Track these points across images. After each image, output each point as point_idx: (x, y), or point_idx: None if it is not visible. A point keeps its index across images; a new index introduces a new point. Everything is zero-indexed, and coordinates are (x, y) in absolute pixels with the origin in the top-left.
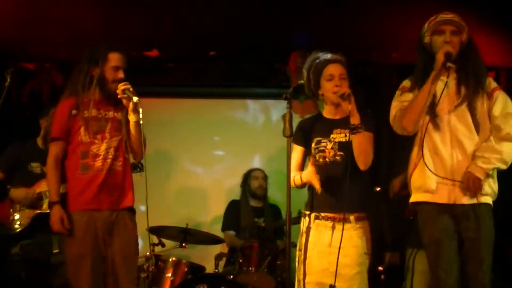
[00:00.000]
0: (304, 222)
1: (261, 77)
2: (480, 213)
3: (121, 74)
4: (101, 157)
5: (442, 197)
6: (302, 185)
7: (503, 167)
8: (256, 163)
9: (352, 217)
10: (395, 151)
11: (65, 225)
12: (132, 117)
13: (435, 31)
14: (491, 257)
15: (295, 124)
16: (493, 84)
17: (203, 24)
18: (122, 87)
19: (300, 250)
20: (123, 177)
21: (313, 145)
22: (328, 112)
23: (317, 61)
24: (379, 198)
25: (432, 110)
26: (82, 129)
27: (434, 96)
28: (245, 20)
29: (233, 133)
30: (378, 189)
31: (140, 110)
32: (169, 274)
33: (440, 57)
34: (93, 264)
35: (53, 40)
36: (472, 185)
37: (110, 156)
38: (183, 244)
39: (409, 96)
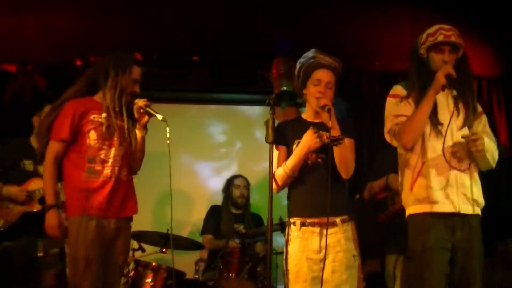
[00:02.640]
0: (290, 231)
1: (244, 83)
2: (473, 224)
3: (138, 88)
4: (109, 164)
5: (446, 207)
6: (294, 167)
7: (489, 164)
8: (239, 168)
9: (338, 220)
10: (375, 156)
11: (62, 230)
12: (139, 132)
13: (433, 47)
14: (482, 268)
15: None
16: (479, 107)
17: (186, 29)
18: (143, 103)
19: (286, 258)
20: (127, 187)
21: (294, 146)
22: (308, 115)
23: (311, 61)
24: (359, 205)
25: (433, 120)
26: (91, 133)
27: (435, 105)
28: (228, 26)
29: (216, 138)
30: (358, 196)
31: (167, 129)
32: (149, 280)
33: (441, 78)
34: (98, 269)
35: (36, 43)
36: (476, 142)
37: (118, 164)
38: (163, 250)
39: (405, 107)
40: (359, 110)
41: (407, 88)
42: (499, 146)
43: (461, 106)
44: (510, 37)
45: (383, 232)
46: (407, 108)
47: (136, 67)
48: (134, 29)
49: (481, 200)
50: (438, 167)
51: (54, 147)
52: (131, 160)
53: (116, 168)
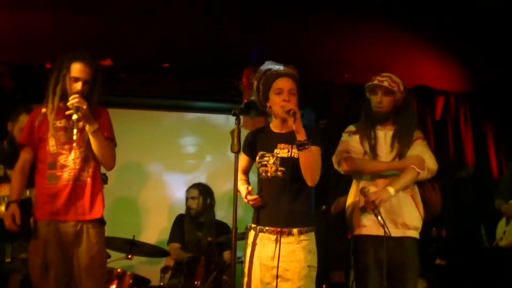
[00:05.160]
0: (250, 235)
1: (213, 91)
2: (406, 245)
3: (78, 86)
4: (68, 168)
5: (376, 230)
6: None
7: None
8: (205, 177)
9: (295, 230)
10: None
11: (16, 222)
12: (87, 128)
13: (370, 91)
14: (416, 284)
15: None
16: (417, 135)
17: (158, 36)
18: (70, 101)
19: (244, 262)
20: (91, 188)
21: (257, 158)
22: (275, 126)
23: (268, 73)
24: (325, 216)
25: (372, 154)
26: (50, 139)
27: (376, 140)
28: (199, 34)
29: (183, 147)
30: (324, 207)
31: (76, 126)
32: (114, 286)
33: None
34: (57, 275)
35: (3, 45)
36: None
37: (77, 167)
38: (129, 256)
39: (352, 143)
40: (328, 122)
41: (357, 127)
42: (464, 169)
43: (396, 141)
44: (478, 53)
45: (348, 245)
46: (354, 144)
47: (75, 64)
48: (105, 34)
49: (414, 223)
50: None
51: (21, 153)
52: (97, 158)
53: (75, 171)
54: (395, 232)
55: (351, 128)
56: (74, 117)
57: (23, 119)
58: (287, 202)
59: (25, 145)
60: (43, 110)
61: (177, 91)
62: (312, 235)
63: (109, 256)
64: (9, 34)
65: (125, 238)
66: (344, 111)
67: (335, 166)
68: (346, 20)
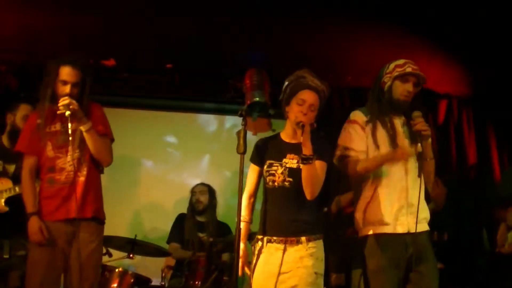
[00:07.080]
0: (257, 246)
1: (215, 92)
2: (422, 240)
3: (67, 89)
4: (65, 170)
5: (397, 227)
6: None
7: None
8: (208, 177)
9: (303, 238)
10: None
11: (44, 235)
12: (81, 127)
13: (400, 77)
14: (437, 283)
15: (250, 142)
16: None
17: (161, 36)
18: (61, 102)
19: (251, 272)
20: (86, 189)
21: (265, 167)
22: (286, 135)
23: (300, 80)
24: (325, 219)
25: (393, 144)
26: (48, 144)
27: (395, 130)
28: (202, 35)
29: (187, 147)
30: (325, 209)
31: (70, 121)
32: (115, 285)
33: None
34: (46, 272)
35: (9, 43)
36: (422, 126)
37: (73, 169)
38: (130, 255)
39: (358, 142)
40: (329, 125)
41: (367, 114)
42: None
43: (414, 136)
44: (481, 57)
45: (349, 246)
46: (359, 143)
47: (64, 67)
48: (108, 34)
49: (427, 215)
50: (390, 190)
51: (24, 161)
52: (94, 156)
53: (72, 173)
54: (414, 228)
55: (359, 117)
56: (67, 113)
57: (24, 107)
58: (292, 213)
59: (26, 153)
60: (39, 121)
61: (178, 91)
62: (320, 243)
63: (110, 255)
64: (14, 33)
65: (127, 238)
66: (345, 114)
67: (334, 161)
68: (348, 22)
